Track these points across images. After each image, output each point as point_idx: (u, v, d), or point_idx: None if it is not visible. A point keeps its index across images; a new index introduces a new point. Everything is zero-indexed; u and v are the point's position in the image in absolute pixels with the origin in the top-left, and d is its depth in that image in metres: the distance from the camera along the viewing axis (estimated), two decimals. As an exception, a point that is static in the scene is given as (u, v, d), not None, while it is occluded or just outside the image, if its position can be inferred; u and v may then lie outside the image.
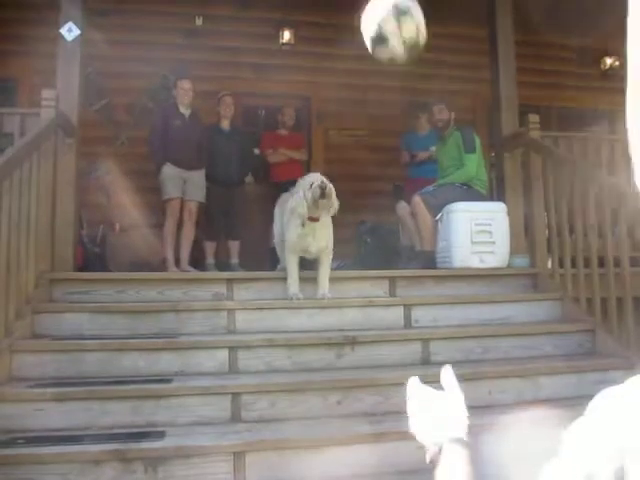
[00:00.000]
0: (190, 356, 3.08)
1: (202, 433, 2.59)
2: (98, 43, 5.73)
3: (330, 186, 3.45)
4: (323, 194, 3.38)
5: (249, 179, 5.96)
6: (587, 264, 3.68)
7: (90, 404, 2.68)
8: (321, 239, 3.55)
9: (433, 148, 5.23)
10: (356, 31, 5.72)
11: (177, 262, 4.95)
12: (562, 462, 0.57)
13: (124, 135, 6.21)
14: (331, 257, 3.64)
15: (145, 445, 2.41)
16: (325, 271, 3.61)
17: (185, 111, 5.10)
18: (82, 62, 4.21)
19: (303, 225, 3.49)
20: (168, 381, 2.88)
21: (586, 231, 3.71)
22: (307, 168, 5.95)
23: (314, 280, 3.64)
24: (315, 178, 3.48)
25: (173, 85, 5.25)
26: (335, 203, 3.48)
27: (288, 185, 4.19)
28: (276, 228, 4.09)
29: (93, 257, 5.08)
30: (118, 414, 2.68)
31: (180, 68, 5.84)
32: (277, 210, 4.12)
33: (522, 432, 2.71)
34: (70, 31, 4.15)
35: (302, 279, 3.64)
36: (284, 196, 4.13)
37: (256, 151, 6.04)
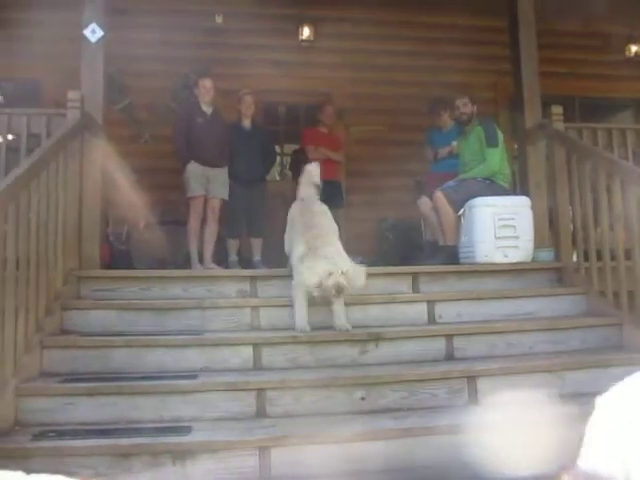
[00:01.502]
0: (215, 352, 3.12)
1: (228, 428, 2.63)
2: (120, 42, 5.81)
3: (348, 280, 3.13)
4: (335, 295, 3.18)
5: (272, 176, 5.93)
6: (613, 257, 3.62)
7: (119, 399, 2.74)
8: None
9: (454, 143, 5.18)
10: (373, 25, 5.70)
11: (201, 259, 5.00)
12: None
13: (148, 133, 6.29)
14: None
15: (172, 439, 2.46)
16: (339, 301, 3.32)
17: (207, 109, 5.15)
18: (105, 62, 4.27)
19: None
20: (194, 377, 2.92)
21: (612, 223, 3.65)
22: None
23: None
24: (337, 266, 3.14)
25: (194, 84, 5.28)
26: (358, 282, 3.21)
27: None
28: (287, 233, 3.88)
29: (119, 254, 5.16)
30: (146, 409, 2.73)
31: (201, 66, 5.89)
32: (290, 214, 3.93)
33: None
34: (94, 32, 4.20)
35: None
36: (294, 208, 3.94)
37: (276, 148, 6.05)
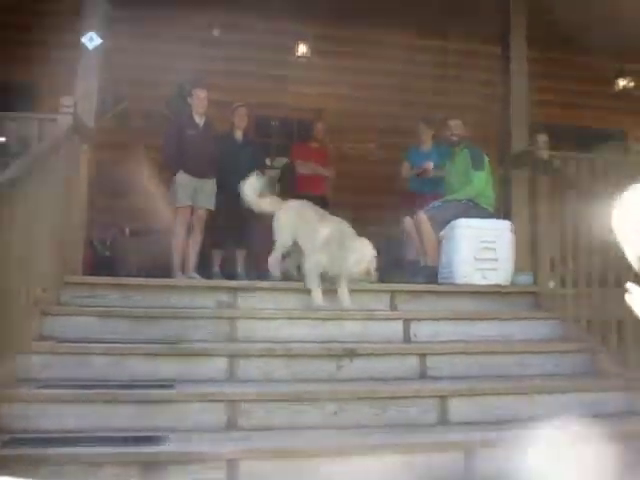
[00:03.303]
0: (192, 363, 3.14)
1: (199, 439, 2.65)
2: (117, 50, 5.88)
3: (373, 268, 3.66)
4: (366, 277, 3.68)
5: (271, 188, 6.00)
6: (589, 285, 3.69)
7: (94, 407, 2.75)
8: None
9: (431, 164, 5.29)
10: (369, 45, 5.80)
11: (184, 269, 5.02)
12: None
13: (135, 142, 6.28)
14: None
15: (142, 449, 2.47)
16: (345, 283, 3.77)
17: (199, 120, 5.20)
18: (101, 70, 4.33)
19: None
20: (170, 387, 2.94)
21: (590, 252, 3.72)
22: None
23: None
24: (365, 256, 3.65)
25: (188, 94, 5.33)
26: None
27: (312, 199, 4.32)
28: (283, 237, 4.07)
29: (102, 261, 5.17)
30: (121, 418, 2.74)
31: (196, 77, 5.95)
32: (287, 218, 4.09)
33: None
34: (91, 40, 4.27)
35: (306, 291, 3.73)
36: (296, 204, 4.20)
37: (267, 161, 6.11)
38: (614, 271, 3.51)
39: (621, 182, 4.06)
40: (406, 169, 5.68)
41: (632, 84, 7.36)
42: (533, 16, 4.90)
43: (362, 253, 3.63)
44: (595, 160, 4.63)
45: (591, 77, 7.34)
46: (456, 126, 4.81)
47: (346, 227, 3.83)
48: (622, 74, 7.34)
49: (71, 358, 3.06)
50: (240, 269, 5.42)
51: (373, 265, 3.66)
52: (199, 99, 5.13)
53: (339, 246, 3.67)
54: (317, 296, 3.68)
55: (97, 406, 2.75)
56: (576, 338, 3.72)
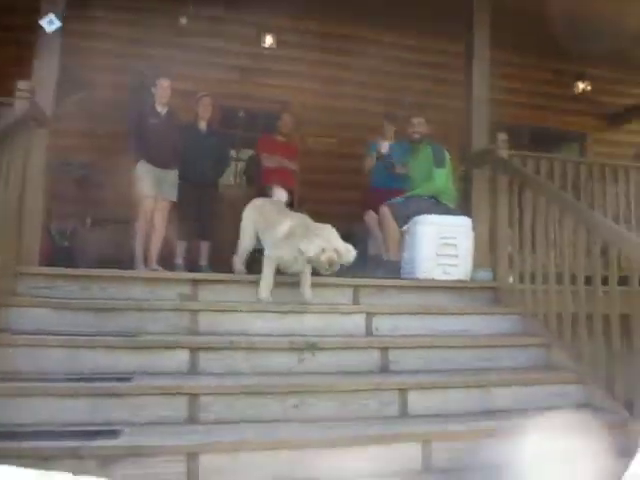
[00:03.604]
0: (151, 356, 3.09)
1: (157, 433, 2.61)
2: (79, 35, 5.72)
3: (339, 256, 3.44)
4: (328, 269, 3.45)
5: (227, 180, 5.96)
6: (547, 280, 3.79)
7: (49, 401, 2.67)
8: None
9: (386, 144, 5.34)
10: (336, 39, 5.80)
11: (146, 260, 4.94)
12: None
13: (101, 131, 6.14)
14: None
15: (99, 443, 2.42)
16: (307, 277, 3.72)
17: (162, 109, 5.12)
18: (61, 54, 4.20)
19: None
20: (128, 380, 2.89)
21: (547, 249, 3.83)
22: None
23: (283, 285, 3.74)
24: (329, 242, 3.45)
25: (152, 83, 5.24)
26: (346, 258, 3.50)
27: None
28: (246, 233, 4.08)
29: (61, 251, 5.04)
30: (76, 412, 2.68)
31: (160, 66, 5.85)
32: (250, 214, 4.11)
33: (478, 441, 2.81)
34: (51, 23, 4.13)
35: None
36: (259, 201, 4.20)
37: (232, 153, 6.05)
38: (570, 267, 3.62)
39: (578, 182, 4.20)
40: (369, 164, 5.70)
41: (589, 88, 7.57)
42: (497, 18, 4.99)
43: (325, 239, 3.49)
44: (554, 160, 4.77)
45: (552, 80, 7.53)
46: (419, 124, 4.87)
47: (309, 220, 3.76)
48: (582, 77, 7.54)
49: (27, 351, 2.97)
50: (203, 261, 5.38)
51: (339, 254, 3.47)
52: (162, 88, 5.07)
53: (302, 236, 3.56)
54: (264, 289, 3.63)
55: (54, 400, 2.68)
56: (534, 332, 3.82)
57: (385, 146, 5.43)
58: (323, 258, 3.41)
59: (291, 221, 3.73)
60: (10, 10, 5.58)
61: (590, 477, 2.48)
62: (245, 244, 4.07)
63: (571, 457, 2.66)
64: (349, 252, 3.50)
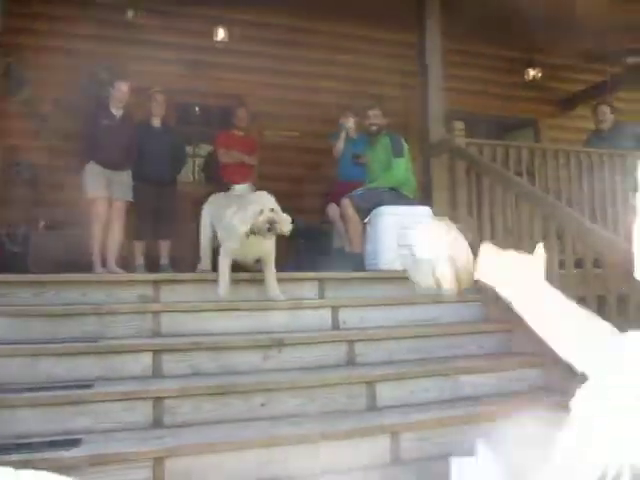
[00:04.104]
0: (113, 360, 3.01)
1: (121, 439, 2.54)
2: (22, 32, 5.51)
3: (278, 218, 3.41)
4: (270, 229, 3.39)
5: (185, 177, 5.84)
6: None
7: (7, 411, 2.57)
8: (264, 247, 3.58)
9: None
10: (290, 32, 5.75)
11: (104, 263, 4.80)
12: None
13: (47, 131, 5.93)
14: (274, 258, 3.67)
15: (57, 454, 2.33)
16: (271, 272, 3.64)
17: (116, 112, 4.97)
18: (5, 52, 4.03)
19: (247, 237, 3.47)
20: (88, 387, 2.80)
21: (506, 235, 3.89)
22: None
23: (247, 282, 3.69)
24: (265, 204, 3.41)
25: (109, 84, 5.06)
26: (285, 227, 3.46)
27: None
28: (205, 228, 4.06)
29: (12, 257, 4.85)
30: (33, 422, 2.58)
31: (115, 66, 5.68)
32: (207, 209, 4.10)
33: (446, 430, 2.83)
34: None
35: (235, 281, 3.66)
36: (215, 196, 4.16)
37: (189, 149, 5.94)
38: (529, 250, 3.68)
39: (533, 167, 4.29)
40: (339, 146, 5.63)
41: (540, 74, 7.72)
42: (447, 6, 5.03)
43: (261, 203, 3.41)
44: (509, 146, 4.85)
45: (504, 67, 7.65)
46: (375, 116, 4.85)
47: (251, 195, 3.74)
48: (532, 64, 7.68)
49: (-23, 361, 2.84)
50: (164, 260, 5.26)
51: (279, 217, 3.42)
52: (120, 92, 4.92)
53: (239, 210, 3.50)
54: (221, 286, 3.55)
55: (9, 411, 2.57)
56: (497, 319, 3.87)
57: (349, 120, 5.43)
58: (261, 219, 3.34)
59: (236, 205, 3.64)
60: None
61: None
62: (204, 241, 4.02)
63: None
64: (287, 220, 3.47)
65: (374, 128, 4.87)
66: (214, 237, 4.00)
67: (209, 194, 5.67)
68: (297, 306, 3.64)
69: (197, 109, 6.98)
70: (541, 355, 3.47)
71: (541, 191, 4.25)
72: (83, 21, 6.03)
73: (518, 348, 3.68)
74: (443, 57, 5.06)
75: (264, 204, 3.40)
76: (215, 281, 3.64)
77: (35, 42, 5.65)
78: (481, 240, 4.03)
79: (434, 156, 4.74)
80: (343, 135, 5.59)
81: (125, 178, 4.95)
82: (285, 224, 3.46)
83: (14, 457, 2.30)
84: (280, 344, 3.23)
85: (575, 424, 0.63)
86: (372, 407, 3.03)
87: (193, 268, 4.25)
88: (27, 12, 5.43)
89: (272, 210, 3.39)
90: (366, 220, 4.48)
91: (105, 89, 5.12)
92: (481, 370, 3.39)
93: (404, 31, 5.62)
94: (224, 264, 3.58)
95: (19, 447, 2.40)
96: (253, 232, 3.40)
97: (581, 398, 0.65)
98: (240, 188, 4.24)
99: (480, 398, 3.22)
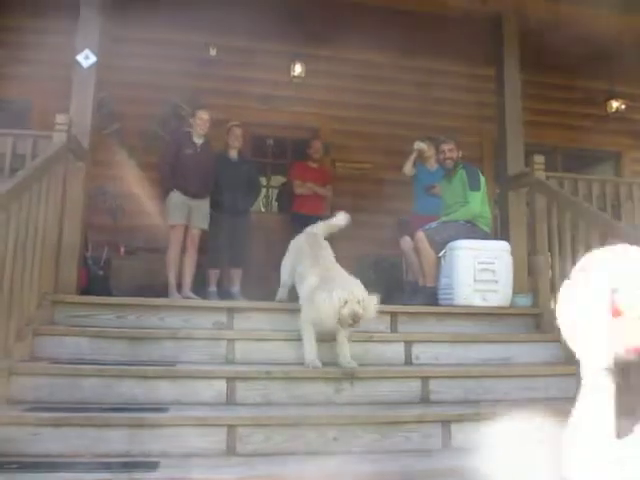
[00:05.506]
0: (188, 385, 3.05)
1: (196, 465, 2.55)
2: (113, 69, 5.87)
3: (364, 309, 3.05)
4: (352, 325, 3.08)
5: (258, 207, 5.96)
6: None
7: (85, 431, 2.65)
8: None
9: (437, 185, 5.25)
10: (364, 65, 5.81)
11: (179, 288, 4.95)
12: None
13: (133, 161, 6.26)
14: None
15: (137, 475, 2.37)
16: (344, 338, 3.31)
17: (198, 140, 5.18)
18: (96, 88, 4.31)
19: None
20: (164, 410, 2.85)
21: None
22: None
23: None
24: (353, 294, 3.05)
25: (191, 114, 5.31)
26: (370, 314, 3.11)
27: (307, 219, 4.23)
28: (286, 263, 3.93)
29: (97, 279, 5.09)
30: (113, 442, 2.64)
31: (197, 98, 5.96)
32: (293, 247, 3.92)
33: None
34: (87, 58, 4.26)
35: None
36: (301, 239, 3.92)
37: (263, 180, 6.07)
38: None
39: (617, 202, 4.08)
40: (405, 169, 5.59)
41: (624, 106, 7.43)
42: (524, 39, 4.96)
43: (348, 290, 3.06)
44: (592, 181, 4.66)
45: (583, 99, 7.42)
46: (450, 150, 4.77)
47: (335, 272, 3.40)
48: (614, 95, 7.41)
49: (63, 380, 2.97)
50: (235, 288, 5.36)
51: (365, 307, 3.07)
52: (202, 120, 5.12)
53: (324, 288, 3.16)
54: (308, 350, 3.24)
55: (88, 430, 2.65)
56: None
57: (420, 144, 5.44)
58: (346, 312, 3.00)
59: (317, 276, 3.36)
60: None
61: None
62: (284, 280, 3.94)
63: None
64: (372, 306, 3.11)
65: (449, 162, 4.80)
66: (293, 274, 3.83)
67: (280, 224, 5.76)
68: (369, 339, 3.59)
69: (272, 142, 7.16)
70: (629, 400, 3.26)
71: (630, 227, 4.03)
72: (167, 58, 6.37)
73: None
74: (521, 89, 4.97)
75: (352, 293, 3.05)
76: (287, 310, 3.66)
77: (123, 78, 6.01)
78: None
79: (512, 189, 4.62)
80: (413, 156, 5.57)
81: (204, 206, 5.12)
82: (370, 311, 3.11)
83: (93, 476, 2.36)
84: (352, 377, 3.19)
85: None
86: (448, 447, 2.92)
87: (263, 296, 4.28)
88: (120, 50, 5.79)
89: (359, 302, 3.04)
90: (441, 254, 4.40)
91: (186, 121, 5.36)
92: (565, 414, 3.19)
93: (482, 64, 5.58)
94: (306, 333, 3.29)
95: (98, 466, 2.46)
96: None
97: None
98: (316, 229, 3.97)
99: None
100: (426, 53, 6.60)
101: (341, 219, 4.00)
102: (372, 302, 3.13)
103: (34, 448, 2.57)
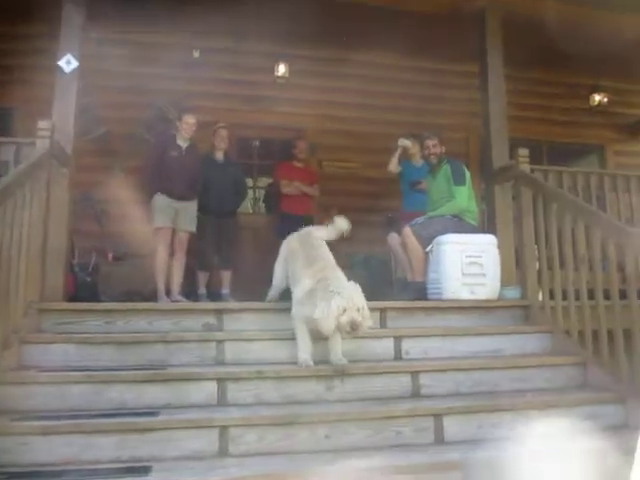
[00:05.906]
0: (178, 388, 3.04)
1: (189, 468, 2.54)
2: (96, 73, 5.83)
3: (362, 318, 2.99)
4: (350, 332, 3.02)
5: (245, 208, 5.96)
6: (578, 297, 3.68)
7: (74, 438, 2.62)
8: None
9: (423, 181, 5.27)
10: (347, 65, 5.82)
11: (168, 292, 4.93)
12: None
13: (118, 167, 6.22)
14: None
15: (128, 481, 2.36)
16: (338, 337, 3.25)
17: (183, 143, 5.16)
18: (79, 93, 4.28)
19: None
20: (155, 414, 2.84)
21: (577, 264, 3.72)
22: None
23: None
24: (352, 302, 2.98)
25: (177, 118, 5.28)
26: (367, 324, 3.05)
27: (296, 219, 4.14)
28: (278, 267, 3.85)
29: (85, 286, 5.06)
30: (103, 448, 2.62)
31: (183, 101, 5.94)
32: (285, 248, 3.83)
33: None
34: (69, 63, 4.23)
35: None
36: (294, 241, 3.79)
37: (249, 181, 6.07)
38: (603, 282, 3.51)
39: (602, 194, 4.10)
40: (391, 165, 5.64)
41: (606, 99, 7.50)
42: (508, 35, 4.99)
43: (347, 298, 2.98)
44: (577, 173, 4.70)
45: (566, 93, 7.49)
46: (434, 145, 4.79)
47: (332, 275, 3.27)
48: (597, 89, 7.48)
49: (52, 387, 2.94)
50: (225, 290, 5.35)
51: (363, 317, 3.01)
52: (188, 125, 5.11)
53: (320, 298, 3.06)
54: (303, 349, 3.21)
55: (77, 437, 2.62)
56: (567, 351, 3.70)
57: (404, 141, 5.50)
58: (344, 320, 2.94)
59: (311, 277, 3.28)
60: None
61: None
62: (277, 283, 3.85)
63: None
64: (369, 317, 3.07)
65: (433, 157, 4.82)
66: (286, 275, 3.75)
67: (268, 224, 5.74)
68: (359, 335, 3.58)
69: (257, 143, 7.15)
70: (620, 390, 3.28)
71: (614, 218, 4.07)
72: (151, 61, 6.35)
73: (593, 383, 3.49)
74: (505, 85, 5.00)
75: (352, 300, 2.98)
76: (277, 310, 3.65)
77: (108, 82, 5.98)
78: (550, 269, 3.88)
79: (497, 183, 4.64)
80: (397, 153, 5.61)
81: (190, 209, 5.10)
82: (367, 322, 3.06)
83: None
84: (343, 374, 3.19)
85: None
86: (441, 441, 2.93)
87: (253, 297, 4.26)
88: (103, 53, 5.76)
89: (358, 310, 2.99)
90: (428, 249, 4.41)
91: (173, 124, 5.33)
92: (552, 405, 3.22)
93: (468, 61, 5.59)
94: (300, 332, 3.25)
95: (93, 473, 2.44)
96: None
97: None
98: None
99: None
100: (412, 51, 6.63)
101: (344, 224, 3.90)
102: (368, 313, 3.06)
103: (23, 458, 2.55)
